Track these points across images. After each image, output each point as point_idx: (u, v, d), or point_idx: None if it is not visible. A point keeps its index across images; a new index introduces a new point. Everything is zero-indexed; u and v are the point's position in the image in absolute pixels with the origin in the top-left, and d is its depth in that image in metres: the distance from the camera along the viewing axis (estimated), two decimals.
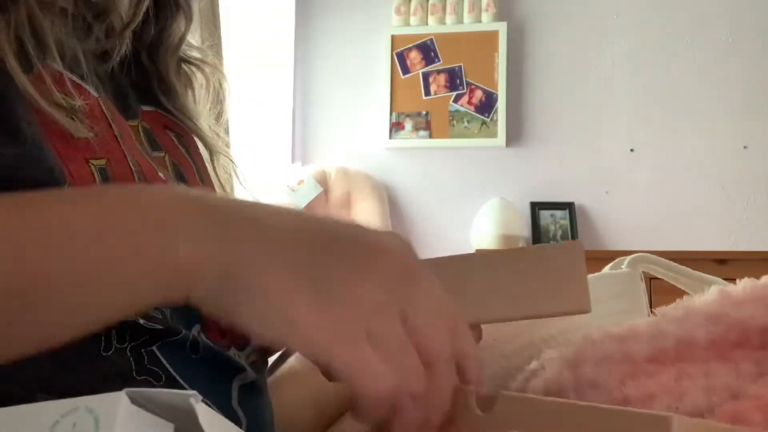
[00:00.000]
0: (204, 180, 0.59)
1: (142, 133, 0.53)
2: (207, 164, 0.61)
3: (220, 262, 0.34)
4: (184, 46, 0.61)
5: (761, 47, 2.68)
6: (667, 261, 0.63)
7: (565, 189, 2.79)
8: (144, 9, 0.53)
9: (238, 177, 0.66)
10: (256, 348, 0.54)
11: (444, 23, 2.92)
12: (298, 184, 2.80)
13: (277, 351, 0.58)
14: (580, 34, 2.84)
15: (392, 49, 2.95)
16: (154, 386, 0.44)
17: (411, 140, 2.91)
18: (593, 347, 0.45)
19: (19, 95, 0.41)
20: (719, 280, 0.56)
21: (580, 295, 0.44)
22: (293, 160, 2.97)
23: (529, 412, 0.35)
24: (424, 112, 2.91)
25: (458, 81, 2.90)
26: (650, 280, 0.67)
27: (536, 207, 2.78)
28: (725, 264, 2.28)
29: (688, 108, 2.73)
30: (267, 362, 0.57)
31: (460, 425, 0.37)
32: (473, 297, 0.44)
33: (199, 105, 0.63)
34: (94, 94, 0.48)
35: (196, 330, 0.49)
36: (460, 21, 2.91)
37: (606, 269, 0.65)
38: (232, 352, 0.51)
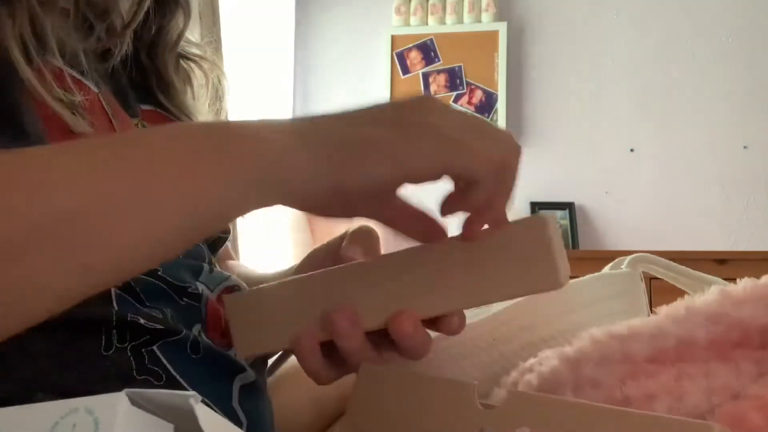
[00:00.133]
0: None
1: None
2: None
3: (312, 145, 0.38)
4: (182, 43, 0.61)
5: (761, 47, 2.68)
6: (667, 261, 0.63)
7: (565, 189, 2.79)
8: (145, 8, 0.53)
9: None
10: None
11: (444, 23, 2.92)
12: None
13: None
14: (580, 34, 2.83)
15: (392, 49, 2.95)
16: (154, 386, 0.44)
17: None
18: (593, 346, 0.45)
19: (23, 89, 0.41)
20: (719, 280, 0.56)
21: (550, 270, 0.42)
22: None
23: (541, 411, 0.34)
24: None
25: (458, 81, 2.90)
26: (650, 280, 0.67)
27: (536, 207, 2.78)
28: (725, 264, 2.28)
29: (688, 108, 2.73)
30: (267, 362, 0.57)
31: (464, 420, 0.37)
32: (444, 285, 0.43)
33: (198, 102, 0.63)
34: (95, 89, 0.48)
35: (196, 330, 0.49)
36: (460, 21, 2.91)
37: (606, 269, 0.65)
38: (233, 352, 0.51)
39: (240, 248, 1.81)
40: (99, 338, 0.42)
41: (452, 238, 0.45)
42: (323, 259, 0.51)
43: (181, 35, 0.60)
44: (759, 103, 2.67)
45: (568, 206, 2.77)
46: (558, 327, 0.56)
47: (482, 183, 0.40)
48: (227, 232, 0.62)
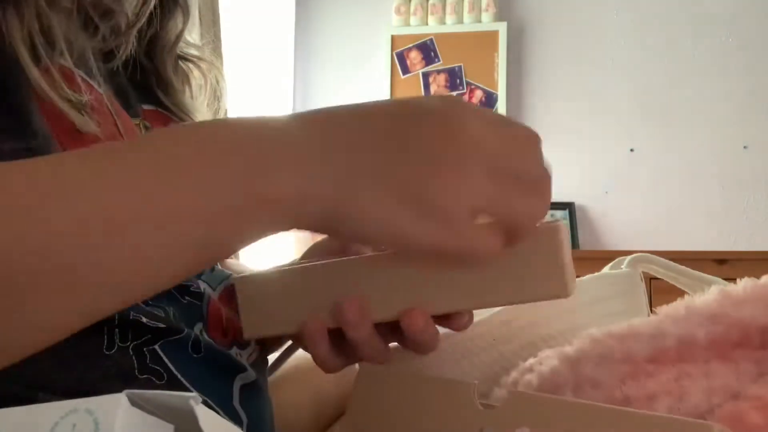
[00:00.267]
0: None
1: (144, 131, 0.53)
2: None
3: (321, 199, 0.37)
4: (181, 44, 0.61)
5: (761, 47, 2.68)
6: (667, 261, 0.63)
7: (565, 189, 2.79)
8: (150, 8, 0.53)
9: None
10: (257, 347, 0.54)
11: (444, 23, 2.92)
12: None
13: (278, 348, 0.58)
14: (580, 34, 2.83)
15: (392, 49, 2.95)
16: (156, 385, 0.44)
17: None
18: (593, 346, 0.45)
19: (30, 89, 0.41)
20: (719, 280, 0.56)
21: (558, 279, 0.42)
22: None
23: (541, 411, 0.34)
24: None
25: (458, 81, 2.90)
26: (650, 280, 0.67)
27: None
28: (725, 264, 2.28)
29: (688, 108, 2.73)
30: (267, 361, 0.57)
31: (463, 421, 0.37)
32: (456, 284, 0.44)
33: (197, 101, 0.63)
34: (100, 90, 0.48)
35: (198, 329, 0.49)
36: (460, 21, 2.91)
37: (606, 269, 0.65)
38: (234, 352, 0.51)
39: None
40: (101, 337, 0.42)
41: None
42: (327, 253, 0.51)
43: (180, 36, 0.60)
44: (759, 103, 2.67)
45: (568, 206, 2.77)
46: (558, 327, 0.56)
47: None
48: None
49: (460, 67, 2.90)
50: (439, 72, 2.92)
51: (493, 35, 2.86)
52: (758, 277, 0.45)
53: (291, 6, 2.99)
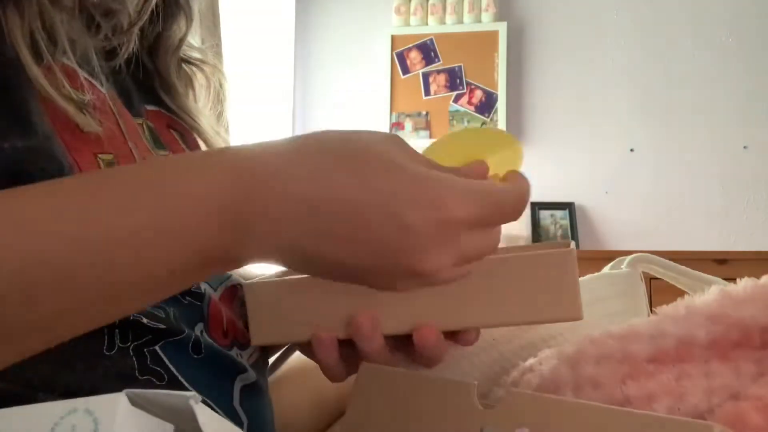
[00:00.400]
0: None
1: (146, 131, 0.53)
2: None
3: (281, 250, 0.39)
4: (184, 47, 0.61)
5: (761, 47, 2.68)
6: (667, 261, 0.63)
7: (565, 189, 2.79)
8: (152, 7, 0.53)
9: None
10: (258, 348, 0.54)
11: (444, 23, 2.92)
12: None
13: (278, 350, 0.58)
14: (580, 34, 2.83)
15: (392, 49, 2.95)
16: (156, 386, 0.44)
17: (411, 140, 2.91)
18: (593, 346, 0.45)
19: (31, 88, 0.41)
20: (719, 280, 0.56)
21: (572, 302, 0.44)
22: None
23: (541, 411, 0.34)
24: (424, 112, 2.91)
25: (458, 81, 2.90)
26: (650, 280, 0.67)
27: (536, 207, 2.78)
28: (725, 264, 2.28)
29: (688, 108, 2.73)
30: (267, 362, 0.57)
31: (463, 421, 0.37)
32: (467, 302, 0.44)
33: (200, 104, 0.63)
34: (102, 90, 0.48)
35: (198, 329, 0.49)
36: (460, 21, 2.91)
37: (606, 269, 0.65)
38: (235, 352, 0.51)
39: None
40: (101, 338, 0.42)
41: None
42: None
43: (182, 39, 0.60)
44: (759, 103, 2.67)
45: (568, 206, 2.77)
46: (558, 327, 0.56)
47: None
48: None
49: (460, 67, 2.90)
50: (439, 72, 2.92)
51: (493, 35, 2.86)
52: (758, 277, 0.45)
53: (291, 6, 2.99)
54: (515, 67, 2.87)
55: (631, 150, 2.77)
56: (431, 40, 2.93)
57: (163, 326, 0.45)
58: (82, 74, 0.46)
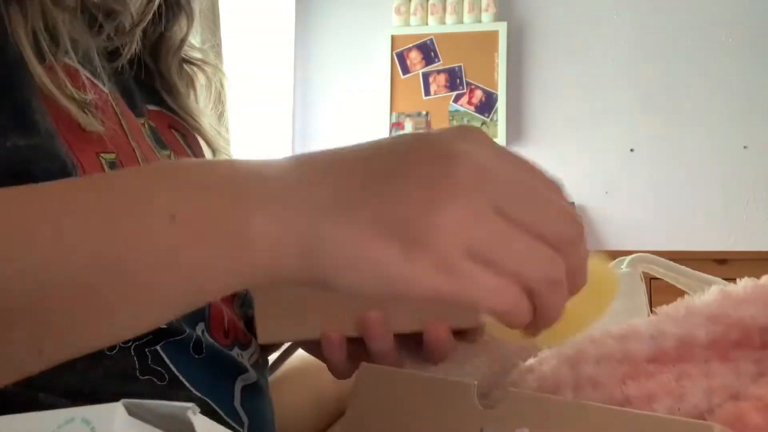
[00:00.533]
0: None
1: (148, 131, 0.53)
2: None
3: (298, 242, 0.32)
4: (185, 47, 0.61)
5: (761, 47, 2.68)
6: (667, 261, 0.63)
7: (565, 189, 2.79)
8: (155, 8, 0.53)
9: None
10: (258, 348, 0.54)
11: (444, 23, 2.92)
12: None
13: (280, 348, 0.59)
14: (580, 34, 2.83)
15: (392, 49, 2.95)
16: (157, 386, 0.44)
17: None
18: (593, 346, 0.45)
19: (34, 87, 0.41)
20: (719, 280, 0.56)
21: None
22: None
23: (541, 411, 0.34)
24: (424, 112, 2.91)
25: (458, 81, 2.90)
26: (650, 280, 0.67)
27: None
28: (725, 264, 2.28)
29: (688, 108, 2.73)
30: (268, 362, 0.58)
31: (463, 421, 0.37)
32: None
33: (201, 104, 0.63)
34: (105, 89, 0.48)
35: (200, 329, 0.49)
36: (460, 21, 2.91)
37: None
38: (236, 352, 0.51)
39: None
40: None
41: None
42: None
43: (184, 40, 0.60)
44: (759, 103, 2.67)
45: None
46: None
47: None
48: None
49: (460, 67, 2.90)
50: (439, 72, 2.92)
51: (493, 35, 2.86)
52: (758, 277, 0.45)
53: (291, 6, 2.99)
54: (515, 67, 2.87)
55: (631, 150, 2.77)
56: (431, 40, 2.93)
57: (165, 326, 0.45)
58: (84, 74, 0.46)
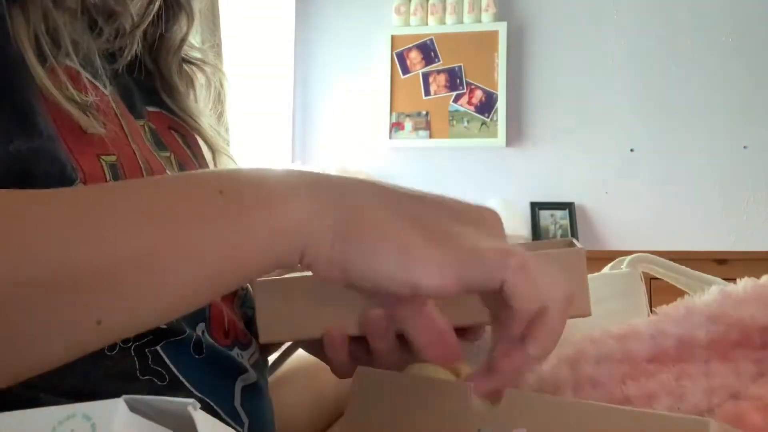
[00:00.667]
0: None
1: (148, 133, 0.53)
2: (209, 164, 0.61)
3: (333, 213, 0.36)
4: (185, 47, 0.61)
5: (761, 47, 2.68)
6: (667, 261, 0.63)
7: (565, 189, 2.79)
8: (155, 10, 0.53)
9: None
10: (258, 348, 0.54)
11: (444, 23, 2.92)
12: None
13: (282, 345, 0.59)
14: (580, 34, 2.84)
15: (392, 49, 2.95)
16: (158, 386, 0.44)
17: (411, 140, 2.91)
18: (593, 346, 0.45)
19: (35, 89, 0.41)
20: (719, 280, 0.56)
21: (582, 299, 0.45)
22: (293, 160, 2.97)
23: (539, 411, 0.34)
24: (424, 112, 2.91)
25: (458, 81, 2.90)
26: (650, 280, 0.67)
27: (536, 207, 2.78)
28: (725, 264, 2.28)
29: (688, 108, 2.73)
30: (268, 363, 0.58)
31: (459, 422, 0.37)
32: (477, 298, 0.44)
33: (200, 104, 0.63)
34: (105, 91, 0.48)
35: (200, 329, 0.49)
36: (460, 21, 2.91)
37: (606, 269, 0.65)
38: (236, 353, 0.51)
39: None
40: None
41: None
42: None
43: (184, 40, 0.60)
44: (759, 103, 2.67)
45: (568, 206, 2.77)
46: None
47: (515, 308, 0.36)
48: None
49: (460, 67, 2.90)
50: (439, 72, 2.92)
51: (493, 35, 2.86)
52: (758, 277, 0.45)
53: (291, 6, 2.99)
54: (515, 67, 2.87)
55: (631, 150, 2.77)
56: (431, 40, 2.93)
57: (165, 326, 0.45)
58: (85, 76, 0.46)
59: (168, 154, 0.54)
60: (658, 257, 0.63)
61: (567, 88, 2.83)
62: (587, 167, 2.79)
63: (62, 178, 0.41)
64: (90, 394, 0.41)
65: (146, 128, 0.54)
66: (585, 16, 2.83)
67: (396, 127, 2.93)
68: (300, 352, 0.57)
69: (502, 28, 2.85)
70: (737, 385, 0.40)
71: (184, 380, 0.45)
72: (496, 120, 2.84)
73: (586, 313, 0.45)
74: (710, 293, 0.45)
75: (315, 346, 0.50)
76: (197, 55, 0.64)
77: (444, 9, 2.92)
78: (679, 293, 0.53)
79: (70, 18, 0.46)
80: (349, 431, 0.42)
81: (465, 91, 2.89)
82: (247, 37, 2.51)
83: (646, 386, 0.41)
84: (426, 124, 2.90)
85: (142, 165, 0.48)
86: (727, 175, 2.69)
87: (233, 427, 0.48)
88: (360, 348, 0.47)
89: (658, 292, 0.74)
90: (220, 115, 0.67)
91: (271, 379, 0.58)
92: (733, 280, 0.47)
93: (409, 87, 2.93)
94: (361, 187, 0.38)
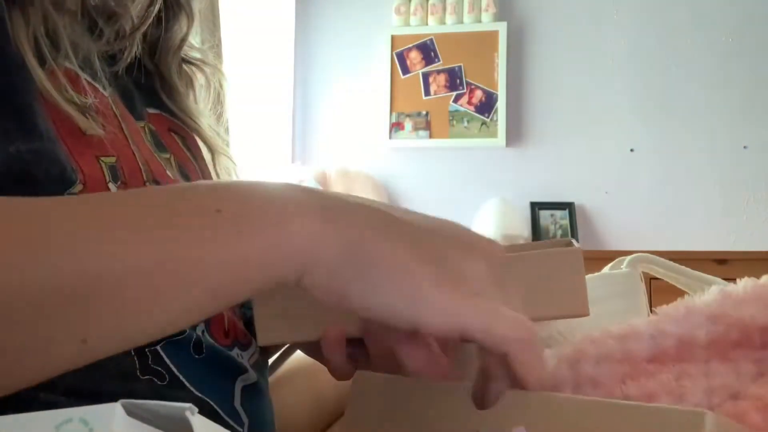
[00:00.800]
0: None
1: (149, 134, 0.53)
2: (209, 165, 0.61)
3: (340, 239, 0.34)
4: (185, 48, 0.61)
5: (761, 48, 2.68)
6: (667, 261, 0.63)
7: (565, 189, 2.79)
8: (155, 12, 0.53)
9: (238, 177, 0.66)
10: (258, 348, 0.54)
11: (444, 23, 2.92)
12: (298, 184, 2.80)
13: (281, 347, 0.59)
14: (580, 34, 2.84)
15: (392, 49, 2.95)
16: (157, 386, 0.44)
17: (411, 140, 2.92)
18: (593, 345, 0.45)
19: (35, 91, 0.41)
20: (719, 280, 0.56)
21: (579, 299, 0.45)
22: (293, 160, 2.97)
23: (537, 409, 0.34)
24: (424, 112, 2.92)
25: (458, 81, 2.90)
26: (650, 280, 0.67)
27: (536, 207, 2.78)
28: (725, 264, 2.28)
29: (688, 108, 2.73)
30: (268, 363, 0.58)
31: (458, 424, 0.37)
32: None
33: (200, 105, 0.63)
34: (105, 93, 0.48)
35: (200, 329, 0.49)
36: (460, 21, 2.91)
37: (606, 269, 0.65)
38: (235, 353, 0.51)
39: None
40: None
41: None
42: None
43: (184, 40, 0.60)
44: (759, 103, 2.67)
45: (568, 206, 2.77)
46: (558, 327, 0.56)
47: (512, 355, 0.35)
48: None
49: (460, 67, 2.90)
50: (439, 72, 2.92)
51: (493, 35, 2.86)
52: (758, 277, 0.45)
53: (291, 6, 2.99)
54: (515, 67, 2.87)
55: (631, 150, 2.77)
56: (431, 40, 2.93)
57: None
58: (85, 78, 0.46)
59: (168, 155, 0.54)
60: (658, 257, 0.63)
61: (567, 88, 2.84)
62: (587, 167, 2.79)
63: (62, 180, 0.41)
64: (90, 393, 0.41)
65: (146, 130, 0.54)
66: (585, 16, 2.83)
67: (396, 127, 2.93)
68: (300, 353, 0.57)
69: (502, 28, 2.85)
70: (737, 385, 0.40)
71: (184, 380, 0.45)
72: (496, 120, 2.84)
73: (583, 313, 0.45)
74: (710, 293, 0.45)
75: (314, 349, 0.50)
76: (197, 55, 0.64)
77: (444, 9, 2.92)
78: (679, 293, 0.53)
79: (70, 20, 0.46)
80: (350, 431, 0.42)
81: (465, 91, 2.89)
82: (247, 37, 2.51)
83: (646, 386, 0.41)
84: (426, 124, 2.90)
85: (141, 166, 0.48)
86: (727, 175, 2.69)
87: (233, 428, 0.48)
88: (358, 350, 0.47)
89: (658, 292, 0.74)
90: (219, 116, 0.67)
91: (271, 379, 0.58)
92: (733, 280, 0.47)
93: (409, 87, 2.93)
94: (370, 213, 0.36)
